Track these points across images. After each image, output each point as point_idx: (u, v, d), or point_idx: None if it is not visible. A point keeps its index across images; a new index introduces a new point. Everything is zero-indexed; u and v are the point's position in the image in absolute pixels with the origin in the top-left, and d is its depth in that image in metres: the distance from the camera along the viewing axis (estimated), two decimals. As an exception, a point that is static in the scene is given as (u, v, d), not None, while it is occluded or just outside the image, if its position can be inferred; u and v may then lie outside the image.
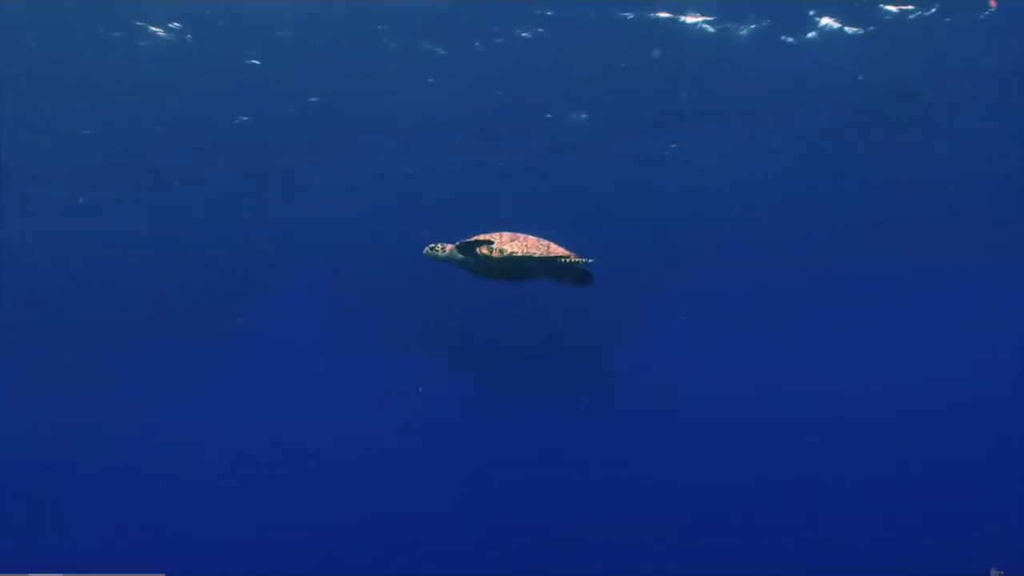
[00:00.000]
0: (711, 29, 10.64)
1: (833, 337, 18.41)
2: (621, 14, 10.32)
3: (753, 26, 10.63)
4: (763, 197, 15.12)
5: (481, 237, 5.82)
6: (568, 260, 5.63)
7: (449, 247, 6.01)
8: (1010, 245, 16.12)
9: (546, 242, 5.71)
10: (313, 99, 12.13)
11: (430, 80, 11.63)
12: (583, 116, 12.65)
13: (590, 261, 5.64)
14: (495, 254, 5.70)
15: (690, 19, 10.43)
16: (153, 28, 10.33)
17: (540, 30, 10.63)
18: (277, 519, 17.11)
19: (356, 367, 18.50)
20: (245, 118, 12.50)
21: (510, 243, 5.70)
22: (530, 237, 5.73)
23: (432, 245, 6.13)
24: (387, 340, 17.79)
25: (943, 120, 12.84)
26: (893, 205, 15.20)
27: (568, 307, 15.95)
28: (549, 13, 10.30)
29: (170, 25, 10.31)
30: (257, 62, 11.16)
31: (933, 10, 10.36)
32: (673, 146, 13.56)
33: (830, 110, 12.59)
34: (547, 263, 5.68)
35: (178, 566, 14.89)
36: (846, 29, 10.71)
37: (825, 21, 10.58)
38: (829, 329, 18.44)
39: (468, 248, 5.86)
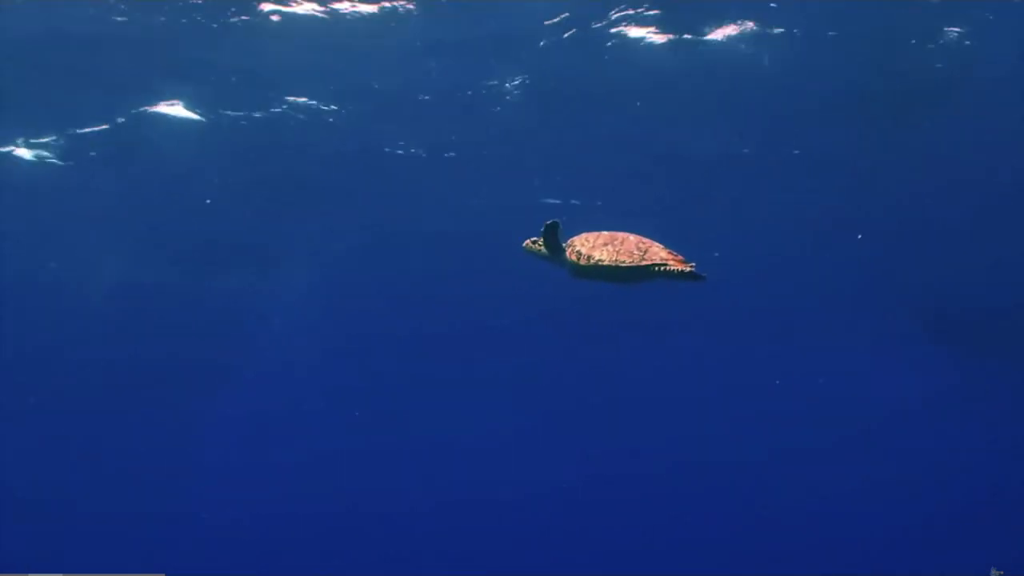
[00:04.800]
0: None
1: None
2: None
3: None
4: None
5: (576, 240, 5.31)
6: (664, 268, 4.99)
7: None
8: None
9: (646, 244, 5.10)
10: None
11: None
12: None
13: (691, 268, 5.00)
14: (582, 261, 5.19)
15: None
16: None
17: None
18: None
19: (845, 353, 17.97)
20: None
21: (602, 248, 5.15)
22: (630, 238, 5.14)
23: (535, 239, 5.44)
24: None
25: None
26: None
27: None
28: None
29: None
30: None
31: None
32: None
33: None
34: (642, 272, 5.07)
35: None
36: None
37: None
38: None
39: (553, 248, 5.38)
